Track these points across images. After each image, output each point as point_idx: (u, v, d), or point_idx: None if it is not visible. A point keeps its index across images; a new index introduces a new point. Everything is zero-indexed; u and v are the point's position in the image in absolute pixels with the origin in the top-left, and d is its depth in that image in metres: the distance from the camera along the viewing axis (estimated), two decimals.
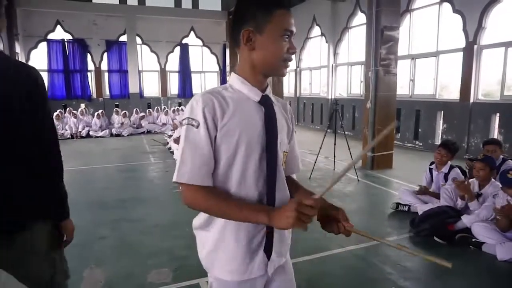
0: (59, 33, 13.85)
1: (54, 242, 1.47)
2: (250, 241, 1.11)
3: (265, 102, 1.13)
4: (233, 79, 1.14)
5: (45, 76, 13.85)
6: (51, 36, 13.75)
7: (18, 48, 12.54)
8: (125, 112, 12.10)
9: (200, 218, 1.16)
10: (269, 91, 1.17)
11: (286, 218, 0.96)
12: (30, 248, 1.35)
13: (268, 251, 1.14)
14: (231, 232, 1.10)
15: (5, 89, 1.26)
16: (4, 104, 1.25)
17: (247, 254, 1.11)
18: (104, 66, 14.56)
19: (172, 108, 13.49)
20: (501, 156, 4.08)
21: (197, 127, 1.03)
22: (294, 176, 1.34)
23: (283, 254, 1.22)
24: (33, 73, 1.36)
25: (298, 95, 13.77)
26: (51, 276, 1.43)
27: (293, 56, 1.13)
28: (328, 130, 6.51)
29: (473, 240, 3.27)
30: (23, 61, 12.98)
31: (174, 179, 1.05)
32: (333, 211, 1.11)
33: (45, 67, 13.75)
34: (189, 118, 1.05)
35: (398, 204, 4.26)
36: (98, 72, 14.29)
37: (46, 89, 1.44)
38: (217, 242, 1.12)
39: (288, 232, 1.24)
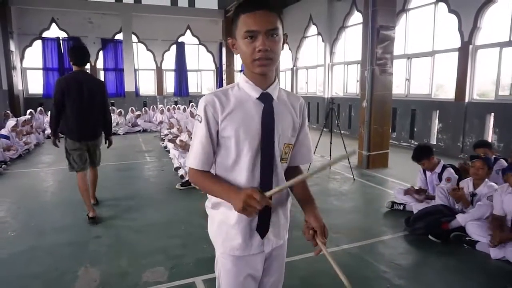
0: (54, 31, 13.77)
1: (101, 143, 4.19)
2: (250, 222, 1.26)
3: (265, 98, 1.25)
4: (240, 78, 1.29)
5: (39, 74, 13.78)
6: (46, 34, 13.66)
7: (12, 46, 12.41)
8: (121, 111, 12.04)
9: (211, 199, 1.32)
10: (273, 88, 1.26)
11: (238, 203, 1.11)
12: (98, 142, 4.14)
13: (261, 232, 1.28)
14: (234, 213, 1.21)
15: (95, 87, 3.92)
16: (98, 92, 3.96)
17: (247, 233, 1.27)
18: (99, 64, 14.51)
19: (168, 107, 13.45)
20: (493, 156, 4.12)
21: (200, 121, 1.22)
22: (301, 167, 1.44)
23: (281, 236, 1.36)
24: (102, 82, 4.16)
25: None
26: (100, 152, 4.24)
27: (267, 54, 1.14)
28: (324, 129, 6.53)
29: (467, 238, 3.30)
30: (18, 59, 12.93)
31: (187, 163, 1.27)
32: (315, 223, 1.27)
33: (40, 65, 13.67)
34: (196, 114, 1.26)
35: (393, 203, 4.28)
36: (93, 70, 14.17)
37: (107, 89, 4.12)
38: (221, 221, 1.29)
39: (285, 216, 1.37)
